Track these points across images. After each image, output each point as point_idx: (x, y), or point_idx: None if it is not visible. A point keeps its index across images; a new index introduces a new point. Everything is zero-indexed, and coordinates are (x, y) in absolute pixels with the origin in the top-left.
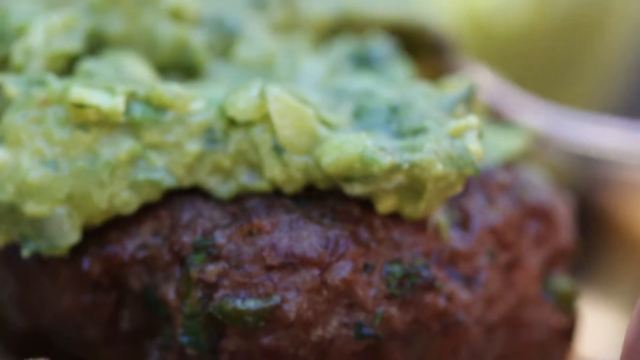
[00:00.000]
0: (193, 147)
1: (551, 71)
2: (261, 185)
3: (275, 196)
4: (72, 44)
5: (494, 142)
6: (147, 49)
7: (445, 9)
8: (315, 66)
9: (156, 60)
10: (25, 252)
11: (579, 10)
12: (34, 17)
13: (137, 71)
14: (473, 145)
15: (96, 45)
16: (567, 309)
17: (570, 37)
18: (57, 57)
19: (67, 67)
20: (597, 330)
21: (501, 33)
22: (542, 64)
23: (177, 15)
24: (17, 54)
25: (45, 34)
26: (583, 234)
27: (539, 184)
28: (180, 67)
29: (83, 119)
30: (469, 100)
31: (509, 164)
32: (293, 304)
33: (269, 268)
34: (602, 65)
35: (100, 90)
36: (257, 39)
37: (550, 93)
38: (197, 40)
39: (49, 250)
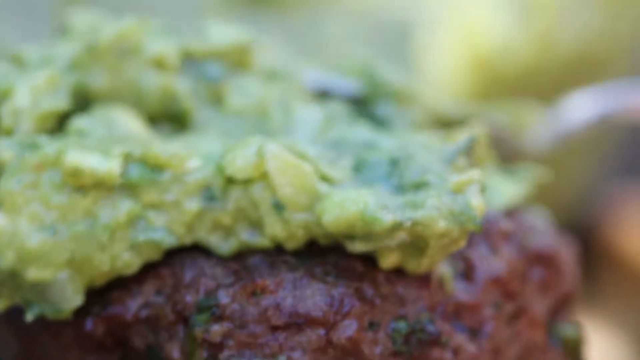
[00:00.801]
0: (192, 205)
1: None
2: (262, 242)
3: (276, 253)
4: (59, 101)
5: (498, 188)
6: (134, 100)
7: (449, 49)
8: (311, 115)
9: (144, 111)
10: (29, 316)
11: (583, 51)
12: (16, 78)
13: (130, 126)
14: (475, 200)
15: (83, 101)
16: (574, 355)
17: (574, 77)
18: (45, 116)
19: (57, 125)
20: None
21: (506, 73)
22: (546, 103)
23: (160, 64)
24: (5, 116)
25: (31, 94)
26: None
27: (542, 229)
28: (169, 116)
29: (79, 183)
30: (470, 151)
31: (512, 210)
32: None
33: (274, 328)
34: None
35: (95, 153)
36: (248, 85)
37: None
38: (183, 87)
39: (53, 314)
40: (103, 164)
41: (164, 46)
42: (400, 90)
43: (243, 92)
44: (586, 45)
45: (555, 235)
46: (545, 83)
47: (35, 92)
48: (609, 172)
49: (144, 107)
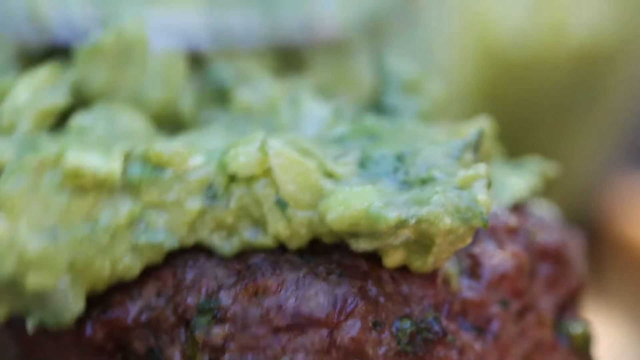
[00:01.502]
0: (194, 204)
1: (565, 102)
2: (265, 241)
3: (280, 251)
4: (59, 98)
5: (504, 182)
6: (135, 101)
7: (460, 41)
8: (318, 110)
9: (145, 111)
10: (30, 326)
11: (595, 43)
12: (15, 77)
13: (132, 123)
14: (482, 195)
15: (83, 98)
16: (582, 352)
17: (585, 69)
18: (45, 113)
19: (57, 122)
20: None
21: (516, 64)
22: (556, 94)
23: (165, 74)
24: (4, 114)
25: (30, 90)
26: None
27: (549, 223)
28: (171, 119)
29: (80, 184)
30: (477, 146)
31: (519, 205)
32: None
33: (276, 330)
34: (616, 100)
35: (96, 153)
36: (258, 82)
37: (564, 124)
38: (187, 99)
39: (54, 322)
40: (103, 164)
41: (164, 57)
42: (408, 79)
43: (253, 89)
44: (598, 37)
45: (563, 230)
46: (556, 74)
47: (34, 88)
48: (617, 160)
49: (145, 108)
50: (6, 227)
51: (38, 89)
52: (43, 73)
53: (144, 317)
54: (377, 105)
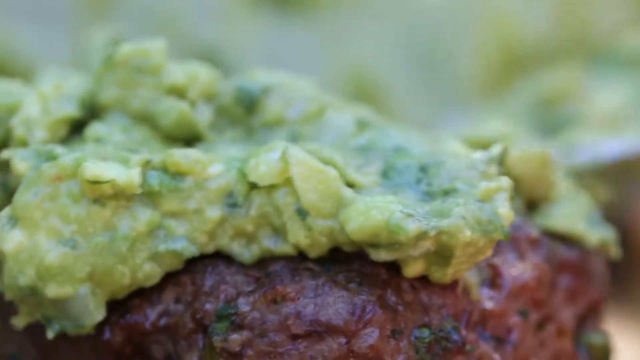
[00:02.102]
0: (214, 213)
1: None
2: (285, 249)
3: (299, 260)
4: (69, 108)
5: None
6: (145, 117)
7: (481, 48)
8: (342, 120)
9: (158, 129)
10: (50, 334)
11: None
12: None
13: (147, 133)
14: (503, 208)
15: (93, 110)
16: None
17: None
18: (57, 123)
19: (70, 133)
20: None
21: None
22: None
23: (178, 93)
24: (17, 127)
25: (39, 101)
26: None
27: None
28: (185, 133)
29: (98, 194)
30: (501, 160)
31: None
32: None
33: (295, 337)
34: None
35: (114, 163)
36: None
37: None
38: (203, 116)
39: (74, 330)
40: (122, 173)
41: (183, 76)
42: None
43: (283, 99)
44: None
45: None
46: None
47: (44, 99)
48: None
49: (158, 126)
50: (25, 237)
51: (47, 99)
52: (50, 84)
53: (162, 322)
54: None
